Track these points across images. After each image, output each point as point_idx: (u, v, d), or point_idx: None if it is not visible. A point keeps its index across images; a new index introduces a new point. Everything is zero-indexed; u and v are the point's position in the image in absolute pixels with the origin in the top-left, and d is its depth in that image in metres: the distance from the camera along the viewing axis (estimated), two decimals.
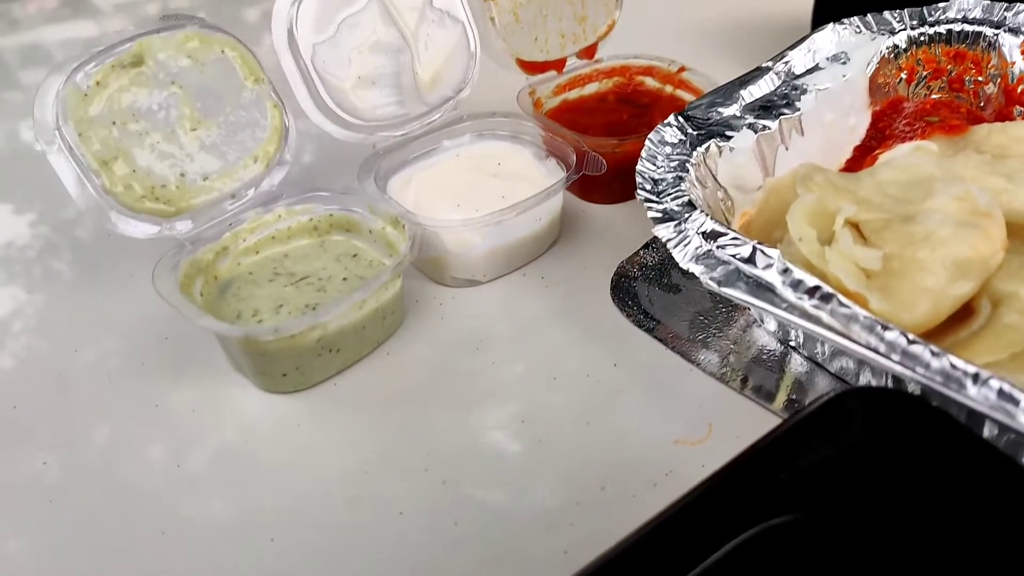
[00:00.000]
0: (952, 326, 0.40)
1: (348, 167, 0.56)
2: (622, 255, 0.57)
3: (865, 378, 0.44)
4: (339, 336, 0.48)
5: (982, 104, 0.55)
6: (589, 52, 0.67)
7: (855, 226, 0.42)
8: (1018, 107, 0.53)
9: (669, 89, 0.66)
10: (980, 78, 0.55)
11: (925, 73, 0.56)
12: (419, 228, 0.50)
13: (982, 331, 0.39)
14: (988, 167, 0.46)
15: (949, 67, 0.55)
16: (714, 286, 0.41)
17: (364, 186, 0.54)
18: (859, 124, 0.55)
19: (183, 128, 0.50)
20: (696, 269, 0.42)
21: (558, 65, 0.65)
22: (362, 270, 0.52)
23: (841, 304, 0.37)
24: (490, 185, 0.56)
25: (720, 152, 0.49)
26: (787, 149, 0.52)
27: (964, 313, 0.40)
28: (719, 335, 0.50)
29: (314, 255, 0.54)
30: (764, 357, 0.48)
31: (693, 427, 0.45)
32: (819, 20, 0.73)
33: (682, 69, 0.65)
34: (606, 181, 0.58)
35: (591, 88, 0.67)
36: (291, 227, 0.54)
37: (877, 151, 0.52)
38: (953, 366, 0.34)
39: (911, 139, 0.51)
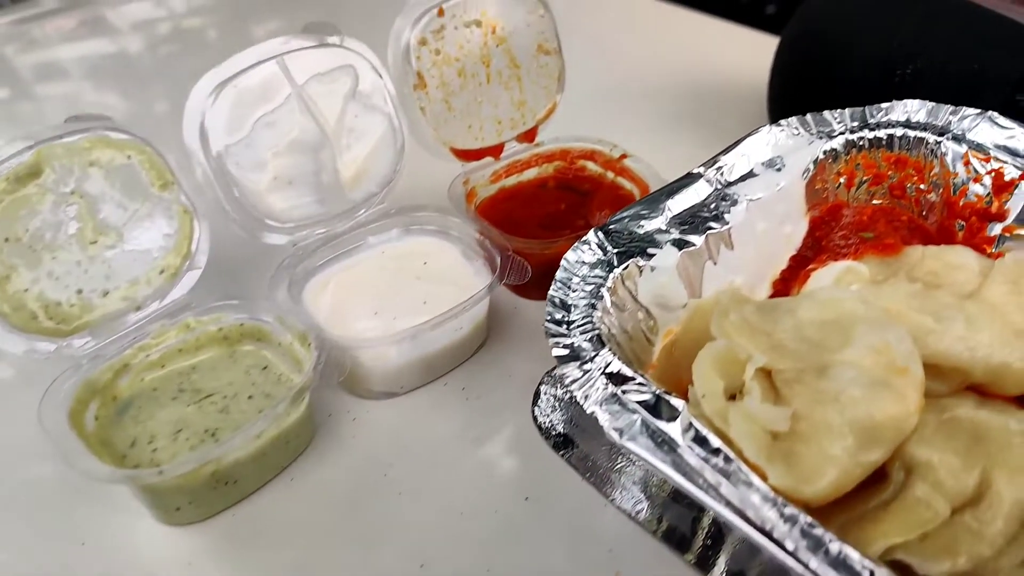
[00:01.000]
0: (862, 493, 0.37)
1: (267, 269, 0.54)
2: (550, 362, 0.54)
3: None
4: (235, 468, 0.46)
5: (924, 212, 0.52)
6: (529, 136, 0.64)
7: (769, 373, 0.40)
8: (960, 221, 0.50)
9: (610, 176, 0.64)
10: (922, 186, 0.52)
11: (865, 178, 0.53)
12: (327, 346, 0.48)
13: (892, 503, 0.36)
14: (917, 300, 0.43)
15: (890, 173, 0.52)
16: (615, 437, 0.39)
17: (274, 294, 0.52)
18: (795, 232, 0.52)
19: (82, 241, 0.48)
20: (601, 416, 0.40)
21: (495, 151, 0.63)
22: (270, 386, 0.50)
23: (741, 474, 0.35)
24: (413, 288, 0.54)
25: (640, 271, 0.47)
26: (715, 264, 0.49)
27: (876, 477, 0.38)
28: (639, 463, 0.47)
29: (223, 367, 0.51)
30: (682, 494, 0.45)
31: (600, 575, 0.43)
32: (775, 103, 0.71)
33: (623, 156, 0.63)
34: (538, 278, 0.56)
35: (531, 173, 0.64)
36: (199, 338, 0.52)
37: (812, 265, 0.50)
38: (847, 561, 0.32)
39: (844, 256, 0.49)
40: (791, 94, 0.69)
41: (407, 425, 0.52)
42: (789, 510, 0.33)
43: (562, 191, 0.64)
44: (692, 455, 0.37)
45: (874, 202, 0.54)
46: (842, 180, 0.53)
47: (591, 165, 0.64)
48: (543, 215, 0.61)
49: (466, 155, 0.61)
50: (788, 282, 0.52)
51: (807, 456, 0.36)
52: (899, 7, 0.63)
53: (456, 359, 0.54)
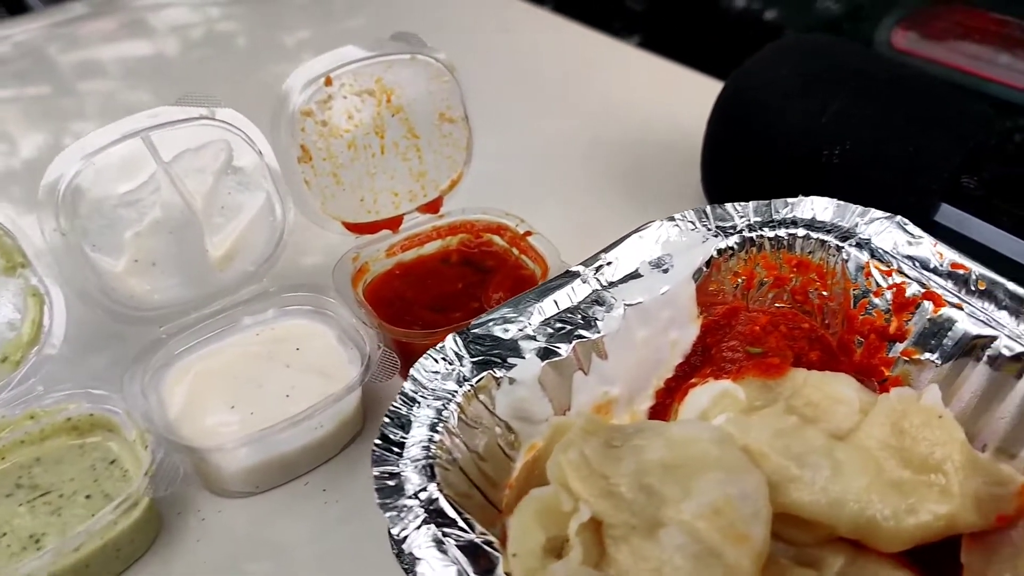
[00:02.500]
0: None
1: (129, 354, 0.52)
2: None
3: None
4: None
5: (827, 321, 0.47)
6: (433, 207, 0.61)
7: (600, 525, 0.36)
8: (859, 337, 0.45)
9: (515, 253, 0.60)
10: (825, 293, 0.47)
11: (766, 280, 0.49)
12: (164, 448, 0.45)
13: None
14: (784, 440, 0.39)
15: (792, 276, 0.48)
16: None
17: (126, 385, 0.49)
18: (683, 339, 0.48)
19: None
20: (420, 557, 0.36)
21: (393, 224, 0.59)
22: (112, 484, 0.47)
23: None
24: (279, 378, 0.51)
25: (498, 384, 0.43)
26: (586, 374, 0.45)
27: None
28: None
29: (70, 459, 0.49)
30: None
31: None
32: (706, 171, 0.66)
33: (528, 233, 0.59)
34: None
35: (433, 246, 0.61)
36: (44, 429, 0.49)
37: (694, 379, 0.46)
38: None
39: (727, 373, 0.44)
40: (721, 166, 0.64)
41: (256, 529, 0.48)
42: None
43: (464, 267, 0.61)
44: None
45: (776, 306, 0.49)
46: (740, 281, 0.49)
47: (497, 239, 0.61)
48: (436, 295, 0.58)
49: (359, 228, 0.58)
50: (673, 392, 0.47)
51: None
52: (829, 82, 0.58)
53: (318, 457, 0.51)
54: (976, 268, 0.43)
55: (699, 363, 0.48)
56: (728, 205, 0.50)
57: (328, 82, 0.54)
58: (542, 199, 0.68)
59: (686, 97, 0.64)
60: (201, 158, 0.52)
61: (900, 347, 0.44)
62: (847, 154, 0.56)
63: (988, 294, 0.42)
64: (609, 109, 0.86)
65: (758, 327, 0.46)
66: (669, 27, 1.23)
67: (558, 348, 0.45)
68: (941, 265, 0.44)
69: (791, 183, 0.54)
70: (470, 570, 0.35)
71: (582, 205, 0.73)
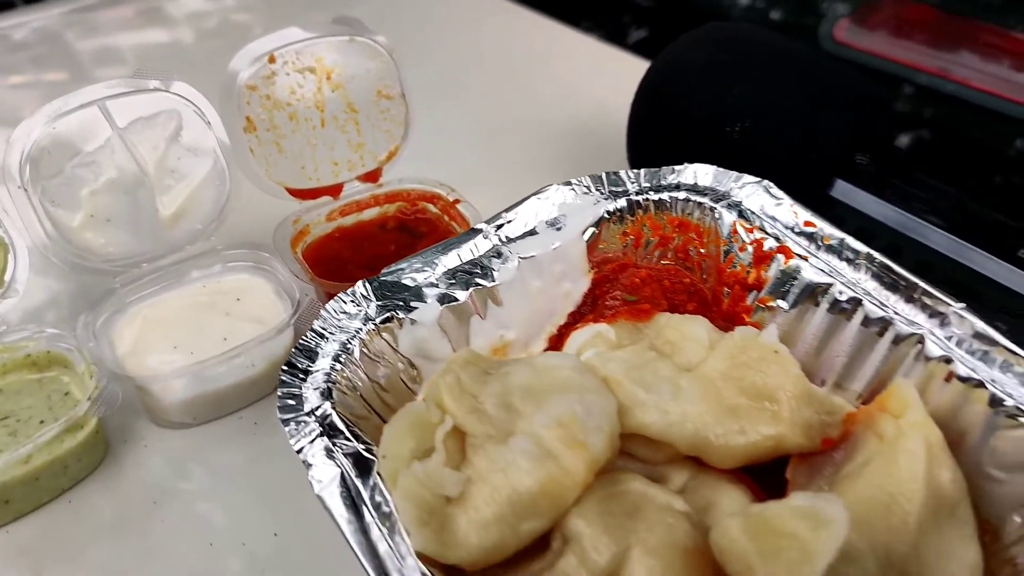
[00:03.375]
0: (526, 559, 0.38)
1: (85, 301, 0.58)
2: None
3: None
4: (5, 489, 0.49)
5: (705, 276, 0.52)
6: (372, 176, 0.66)
7: (464, 437, 0.41)
8: (726, 288, 0.50)
9: (446, 219, 0.65)
10: (702, 250, 0.52)
11: (652, 239, 0.53)
12: (108, 378, 0.51)
13: (543, 573, 0.37)
14: (637, 371, 0.44)
15: (675, 236, 0.53)
16: (315, 487, 0.41)
17: (80, 327, 0.55)
18: (575, 290, 0.53)
19: None
20: (308, 466, 0.41)
21: (333, 191, 0.65)
22: (64, 411, 0.53)
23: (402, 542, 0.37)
24: (218, 325, 0.57)
25: (401, 324, 0.48)
26: (483, 319, 0.51)
27: (543, 545, 0.39)
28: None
29: (28, 391, 0.55)
30: None
31: None
32: (631, 146, 0.71)
33: (456, 201, 0.64)
34: None
35: (372, 212, 0.66)
36: (6, 364, 0.55)
37: (578, 325, 0.51)
38: None
39: (605, 318, 0.49)
40: (642, 143, 0.69)
41: (194, 456, 0.54)
42: None
43: (400, 232, 0.66)
44: (370, 516, 0.39)
45: (662, 263, 0.54)
46: (629, 240, 0.54)
47: (431, 207, 0.66)
48: (371, 256, 0.63)
49: (301, 194, 0.64)
50: (563, 337, 0.53)
51: (462, 522, 0.38)
52: (736, 66, 0.63)
53: (251, 395, 0.57)
54: (823, 225, 0.48)
55: (588, 311, 0.53)
56: (622, 172, 0.55)
57: (272, 60, 0.60)
58: (479, 172, 0.73)
59: (625, 81, 0.69)
60: (153, 126, 0.57)
61: (757, 295, 0.49)
62: (747, 131, 0.61)
63: (832, 248, 0.47)
64: (553, 92, 0.91)
65: (638, 279, 0.52)
66: (675, 22, 1.27)
67: (457, 294, 0.50)
68: (796, 223, 0.49)
69: (701, 157, 0.59)
70: (352, 472, 0.40)
71: (515, 178, 0.78)
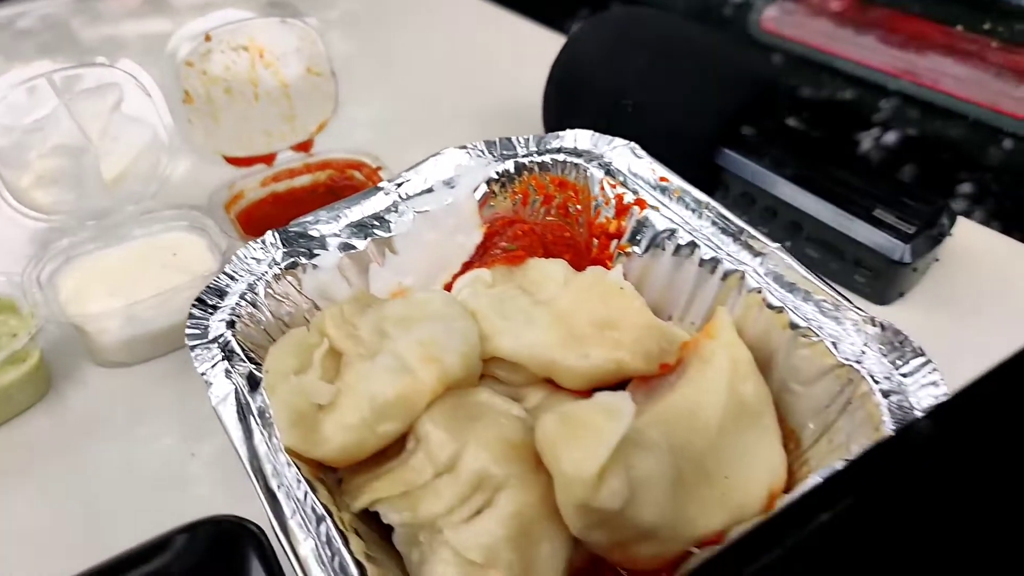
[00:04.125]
0: (384, 458, 0.45)
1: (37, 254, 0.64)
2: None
3: None
4: None
5: (580, 229, 0.58)
6: (304, 146, 0.73)
7: (340, 357, 0.47)
8: (595, 239, 0.56)
9: (371, 185, 0.71)
10: (579, 206, 0.58)
11: (537, 197, 0.59)
12: (47, 317, 0.58)
13: (397, 467, 0.43)
14: (499, 304, 0.50)
15: (556, 194, 0.59)
16: (212, 400, 0.47)
17: (26, 276, 0.61)
18: (468, 242, 0.59)
19: None
20: (211, 382, 0.48)
21: (267, 159, 0.71)
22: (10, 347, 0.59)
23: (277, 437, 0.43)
24: (153, 275, 0.63)
25: (304, 269, 0.55)
26: (381, 266, 0.57)
27: (399, 447, 0.45)
28: None
29: None
30: None
31: None
32: (546, 119, 0.77)
33: (379, 168, 0.71)
34: None
35: (304, 180, 0.73)
36: None
37: (463, 272, 0.57)
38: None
39: (484, 264, 0.55)
40: (553, 116, 0.75)
41: (127, 391, 0.60)
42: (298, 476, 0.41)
43: (329, 197, 0.72)
44: (255, 423, 0.45)
45: (547, 219, 0.60)
46: (518, 198, 0.60)
47: (357, 174, 0.72)
48: (296, 217, 0.69)
49: (237, 162, 0.70)
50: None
51: (328, 425, 0.44)
52: (634, 44, 0.69)
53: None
54: (674, 179, 0.54)
55: (478, 261, 0.59)
56: (513, 137, 0.61)
57: (208, 38, 0.66)
58: (404, 142, 0.79)
59: (550, 61, 0.75)
60: (96, 97, 0.64)
61: (618, 243, 0.55)
62: (639, 104, 0.67)
63: (680, 199, 0.53)
64: (482, 71, 0.98)
65: (520, 232, 0.58)
66: None
67: (356, 243, 0.56)
68: (653, 179, 0.54)
69: (602, 130, 0.64)
70: (245, 389, 0.47)
71: (437, 148, 0.84)
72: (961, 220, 0.67)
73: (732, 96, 0.66)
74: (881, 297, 0.63)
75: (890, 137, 0.84)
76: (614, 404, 0.39)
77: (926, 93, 0.84)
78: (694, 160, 0.67)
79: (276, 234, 0.56)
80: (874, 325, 0.43)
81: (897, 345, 0.42)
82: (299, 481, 0.41)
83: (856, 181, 0.64)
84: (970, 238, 0.67)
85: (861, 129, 0.85)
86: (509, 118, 0.87)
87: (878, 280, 0.62)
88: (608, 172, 0.56)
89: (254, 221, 0.69)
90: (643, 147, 0.59)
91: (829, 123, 0.86)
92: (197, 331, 0.50)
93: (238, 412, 0.46)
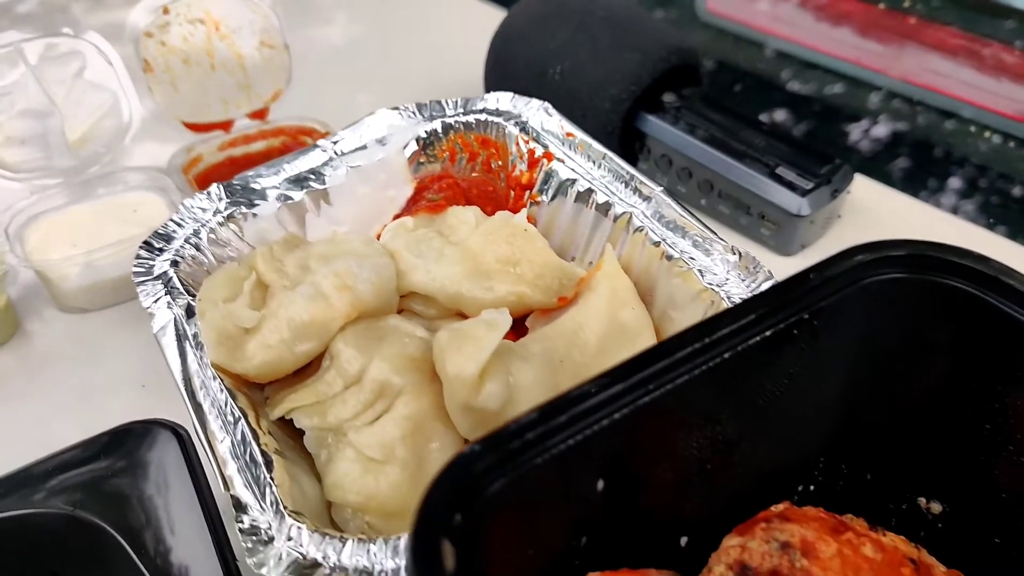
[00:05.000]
0: (302, 376, 0.50)
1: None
2: None
3: None
4: None
5: (502, 183, 0.64)
6: (260, 114, 0.78)
7: (267, 288, 0.53)
8: (512, 191, 0.61)
9: None
10: (500, 162, 0.63)
11: (463, 155, 0.65)
12: (8, 264, 0.63)
13: (311, 383, 0.49)
14: (415, 245, 0.55)
15: (480, 151, 0.64)
16: (154, 329, 0.52)
17: None
18: (399, 195, 0.64)
19: None
20: (154, 314, 0.53)
21: (225, 126, 0.77)
22: None
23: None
24: (114, 229, 0.68)
25: (245, 217, 0.60)
26: (317, 215, 0.62)
27: (316, 366, 0.50)
28: None
29: None
30: None
31: None
32: (487, 88, 0.82)
33: (327, 133, 0.76)
34: None
35: (259, 145, 0.78)
36: None
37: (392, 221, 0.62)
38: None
39: (410, 213, 0.61)
40: (492, 84, 0.80)
41: (89, 333, 0.66)
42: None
43: None
44: (189, 347, 0.50)
45: (473, 175, 0.65)
46: (446, 155, 0.65)
47: (308, 140, 0.78)
48: None
49: (196, 128, 0.75)
50: None
51: (251, 344, 0.49)
52: (561, 18, 0.74)
53: None
54: (579, 134, 0.59)
55: (407, 212, 0.64)
56: (443, 100, 0.66)
57: (166, 11, 0.72)
58: (355, 110, 0.84)
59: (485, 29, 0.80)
60: (62, 64, 0.69)
61: (530, 193, 0.60)
62: (564, 72, 0.72)
63: (584, 153, 0.58)
64: (431, 45, 1.03)
65: (445, 185, 0.63)
66: None
67: (293, 195, 0.61)
68: (561, 134, 0.60)
69: (533, 95, 0.69)
70: (183, 318, 0.52)
71: None
72: (861, 178, 0.72)
73: (649, 65, 0.71)
74: (785, 249, 0.68)
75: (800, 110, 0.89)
76: (493, 317, 0.45)
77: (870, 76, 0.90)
78: (615, 124, 0.72)
79: (221, 187, 0.61)
80: (734, 253, 0.48)
81: (752, 271, 0.47)
82: (222, 391, 0.47)
83: (763, 143, 0.69)
84: (871, 196, 0.72)
85: (778, 95, 0.90)
86: (454, 89, 0.91)
87: (781, 232, 0.67)
88: (523, 129, 0.61)
89: (210, 183, 0.74)
90: (570, 112, 0.64)
91: (742, 97, 0.91)
92: (143, 270, 0.55)
93: (176, 338, 0.51)
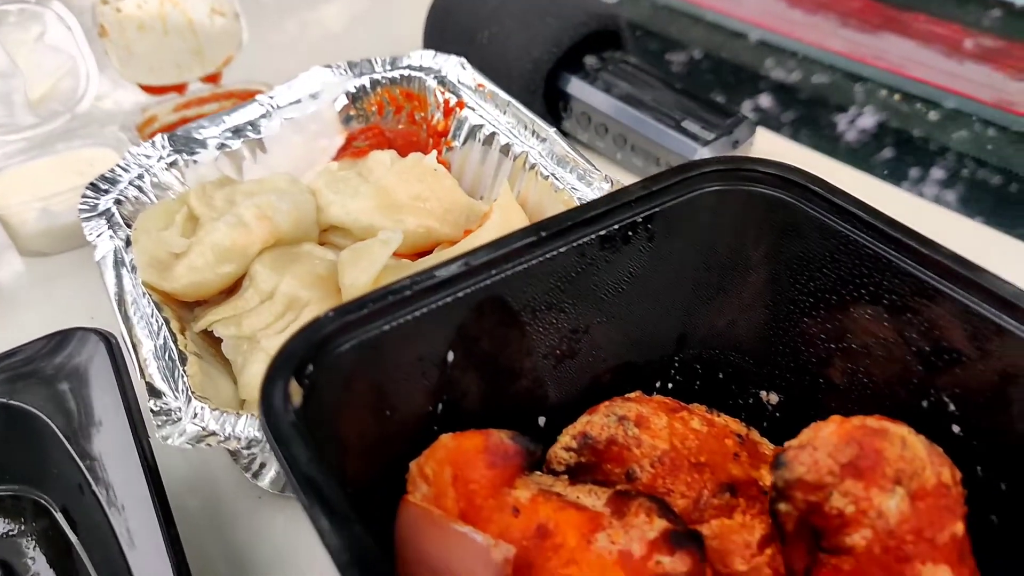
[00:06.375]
0: (227, 297, 0.55)
1: None
2: None
3: None
4: None
5: (424, 133, 0.69)
6: (213, 78, 0.83)
7: (198, 220, 0.58)
8: (431, 139, 0.67)
9: None
10: (423, 113, 0.69)
11: (391, 108, 0.70)
12: None
13: (232, 301, 0.54)
14: (334, 183, 0.61)
15: (404, 104, 0.69)
16: (95, 257, 0.58)
17: None
18: (331, 145, 0.69)
19: None
20: (96, 246, 0.58)
21: (179, 88, 0.82)
22: None
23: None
24: (70, 180, 0.74)
25: (186, 164, 0.65)
26: (254, 161, 0.67)
27: (238, 287, 0.56)
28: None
29: None
30: None
31: None
32: None
33: None
34: None
35: (211, 107, 0.83)
36: None
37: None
38: None
39: (335, 159, 0.66)
40: (431, 46, 0.85)
41: (47, 272, 0.72)
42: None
43: None
44: (126, 272, 0.55)
45: (399, 126, 0.71)
46: (374, 108, 0.70)
47: None
48: None
49: (151, 90, 0.81)
50: None
51: (179, 266, 0.54)
52: None
53: None
54: (489, 85, 0.64)
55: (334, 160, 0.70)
56: (373, 57, 0.71)
57: None
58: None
59: None
60: (22, 28, 0.75)
61: (445, 140, 0.65)
62: (493, 36, 0.78)
63: (492, 101, 0.63)
64: (378, 14, 1.08)
65: (372, 134, 0.68)
66: None
67: (231, 144, 0.67)
68: (473, 85, 0.65)
69: (470, 59, 0.74)
70: (123, 248, 0.57)
71: None
72: (765, 132, 0.77)
73: (570, 29, 0.77)
74: None
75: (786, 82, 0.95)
76: (388, 236, 0.50)
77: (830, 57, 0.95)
78: (537, 84, 0.77)
79: (165, 136, 0.66)
80: (608, 182, 0.53)
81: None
82: (150, 306, 0.52)
83: (672, 100, 0.74)
84: (775, 148, 0.78)
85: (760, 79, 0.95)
86: (396, 52, 0.98)
87: None
88: (441, 82, 0.67)
89: None
90: (497, 73, 0.70)
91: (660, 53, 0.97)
92: (87, 207, 0.61)
93: (114, 264, 0.56)
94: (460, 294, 0.38)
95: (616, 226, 0.41)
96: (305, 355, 0.34)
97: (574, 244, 0.40)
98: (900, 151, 0.82)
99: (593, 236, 0.41)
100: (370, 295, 0.36)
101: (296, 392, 0.33)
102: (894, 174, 0.80)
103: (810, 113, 0.88)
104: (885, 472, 0.34)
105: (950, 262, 0.37)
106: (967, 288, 0.37)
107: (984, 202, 0.76)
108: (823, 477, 0.33)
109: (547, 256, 0.40)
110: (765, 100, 0.90)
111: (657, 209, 0.42)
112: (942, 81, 0.88)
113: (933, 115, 0.86)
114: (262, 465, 0.51)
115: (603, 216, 0.41)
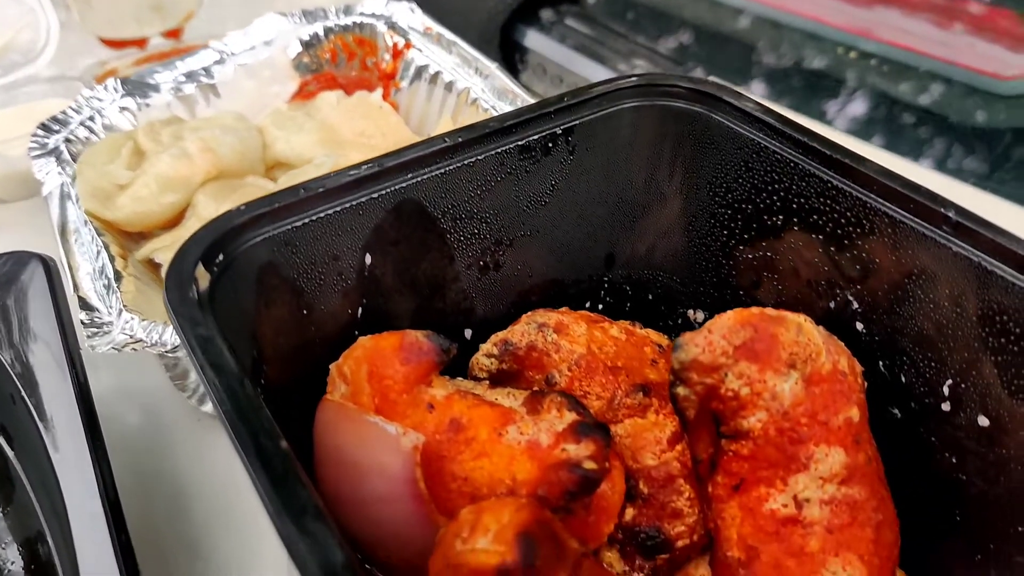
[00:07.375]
0: (169, 226, 0.56)
1: None
2: None
3: None
4: None
5: (377, 80, 0.70)
6: (174, 33, 0.84)
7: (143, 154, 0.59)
8: (381, 82, 0.68)
9: None
10: (374, 59, 0.70)
11: (344, 55, 0.71)
12: None
13: (175, 229, 0.55)
14: (281, 120, 0.61)
15: (358, 51, 0.70)
16: (43, 191, 0.58)
17: None
18: (284, 90, 0.70)
19: None
20: (44, 182, 0.59)
21: (140, 43, 0.83)
22: None
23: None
24: (26, 128, 0.74)
25: (139, 107, 0.66)
26: (207, 106, 0.68)
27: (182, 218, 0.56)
28: None
29: None
30: None
31: None
32: None
33: None
34: None
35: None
36: None
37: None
38: None
39: (287, 103, 0.67)
40: None
41: (8, 225, 0.72)
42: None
43: None
44: (72, 205, 0.56)
45: (353, 73, 0.72)
46: (328, 56, 0.71)
47: None
48: None
49: (112, 43, 0.82)
50: None
51: (123, 196, 0.55)
52: None
53: None
54: (436, 27, 0.65)
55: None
56: (329, 7, 0.72)
57: None
58: None
59: None
60: None
61: (393, 81, 0.66)
62: None
63: (439, 43, 0.64)
64: None
65: (324, 79, 0.69)
66: None
67: (184, 88, 0.68)
68: (422, 28, 0.66)
69: (429, 12, 0.75)
70: (70, 184, 0.58)
71: None
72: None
73: None
74: None
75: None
76: (321, 160, 0.51)
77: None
78: (492, 34, 0.78)
79: (118, 80, 0.67)
80: None
81: None
82: (91, 232, 0.53)
83: (622, 47, 0.75)
84: None
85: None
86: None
87: None
88: (391, 27, 0.68)
89: None
90: (454, 23, 0.70)
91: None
92: (37, 146, 0.62)
93: (60, 197, 0.57)
94: (376, 195, 0.39)
95: (535, 136, 0.42)
96: (214, 243, 0.35)
97: (493, 152, 0.41)
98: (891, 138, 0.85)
99: (512, 145, 0.42)
100: (283, 191, 0.37)
101: (203, 277, 0.34)
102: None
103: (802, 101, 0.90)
104: (779, 356, 0.35)
105: (850, 161, 0.38)
106: (866, 185, 0.38)
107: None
108: (717, 358, 0.34)
109: (465, 162, 0.41)
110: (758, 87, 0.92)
111: (577, 122, 0.43)
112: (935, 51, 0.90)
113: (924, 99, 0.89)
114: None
115: (522, 125, 0.42)
